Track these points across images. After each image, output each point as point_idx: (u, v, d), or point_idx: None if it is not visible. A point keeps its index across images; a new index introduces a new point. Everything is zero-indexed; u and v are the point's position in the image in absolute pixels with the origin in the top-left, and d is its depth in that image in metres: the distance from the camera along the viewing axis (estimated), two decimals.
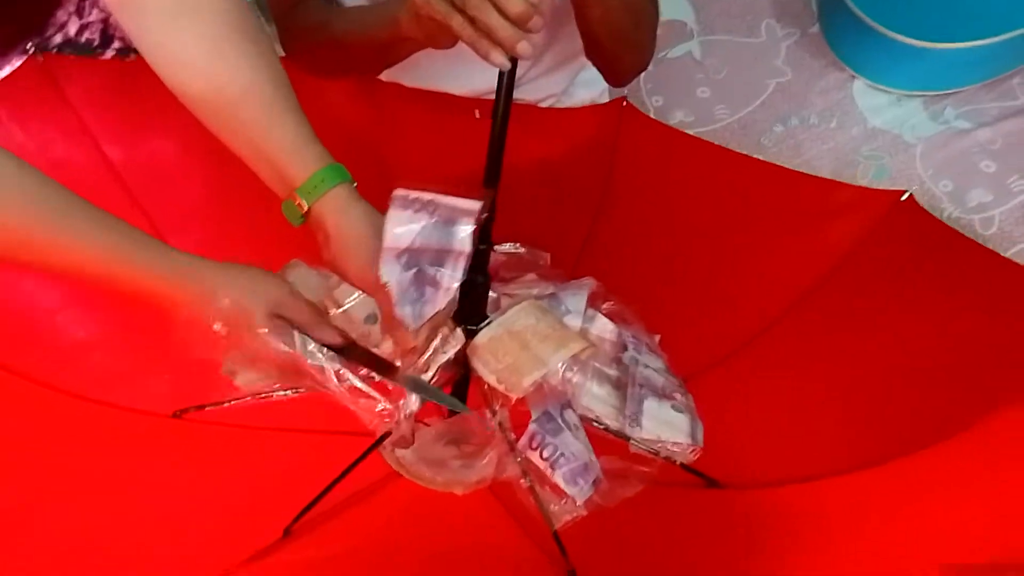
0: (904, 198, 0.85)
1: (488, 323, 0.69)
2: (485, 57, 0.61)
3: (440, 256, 0.60)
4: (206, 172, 0.87)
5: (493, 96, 0.67)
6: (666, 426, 0.69)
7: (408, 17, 0.71)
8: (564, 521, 0.58)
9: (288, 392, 0.65)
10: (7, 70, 0.88)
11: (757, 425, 0.72)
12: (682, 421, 0.70)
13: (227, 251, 0.85)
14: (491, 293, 0.76)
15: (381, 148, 1.05)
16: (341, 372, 0.63)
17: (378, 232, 0.61)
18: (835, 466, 0.62)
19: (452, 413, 0.69)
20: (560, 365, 0.67)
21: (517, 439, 0.62)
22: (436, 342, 0.68)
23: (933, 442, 0.59)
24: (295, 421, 0.67)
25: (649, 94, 1.28)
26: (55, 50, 0.94)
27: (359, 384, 0.64)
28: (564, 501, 0.58)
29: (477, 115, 1.04)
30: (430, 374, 0.67)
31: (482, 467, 0.62)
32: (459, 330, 0.67)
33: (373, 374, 0.66)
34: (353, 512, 0.63)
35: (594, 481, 0.60)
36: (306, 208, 0.63)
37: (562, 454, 0.60)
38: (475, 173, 0.67)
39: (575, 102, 1.10)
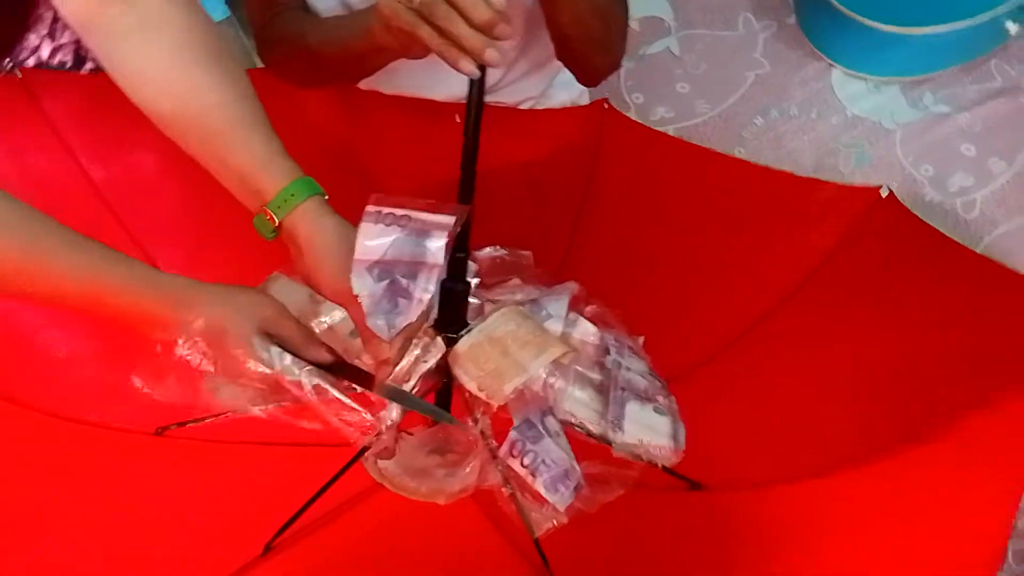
0: (884, 195, 0.86)
1: (469, 330, 0.70)
2: (454, 65, 0.61)
3: (412, 268, 0.60)
4: (186, 186, 0.87)
5: None
6: (648, 429, 0.69)
7: (379, 28, 0.71)
8: (545, 528, 0.58)
9: (270, 406, 0.65)
10: None
11: (740, 426, 0.73)
12: (664, 424, 0.70)
13: (209, 263, 0.86)
14: (475, 300, 0.77)
15: (362, 156, 1.05)
16: (322, 386, 0.64)
17: (350, 244, 0.61)
18: (817, 467, 0.63)
19: (436, 422, 0.70)
20: (541, 371, 0.68)
21: (500, 446, 0.63)
22: (417, 351, 0.69)
23: (915, 442, 0.60)
24: (277, 435, 0.67)
25: (629, 91, 1.28)
26: None
27: (340, 396, 0.64)
28: (545, 508, 0.59)
29: (457, 119, 1.04)
30: (412, 383, 0.68)
31: (464, 476, 0.62)
32: (439, 338, 0.68)
33: (356, 387, 0.67)
34: (334, 525, 0.64)
35: (575, 487, 0.60)
36: (277, 222, 0.63)
37: (543, 461, 0.60)
38: (457, 178, 0.67)
39: (554, 104, 1.10)
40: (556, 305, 0.76)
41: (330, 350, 0.66)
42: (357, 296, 0.60)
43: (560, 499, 0.59)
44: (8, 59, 0.91)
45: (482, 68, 0.62)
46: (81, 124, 0.86)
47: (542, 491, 0.59)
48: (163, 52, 0.63)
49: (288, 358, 0.62)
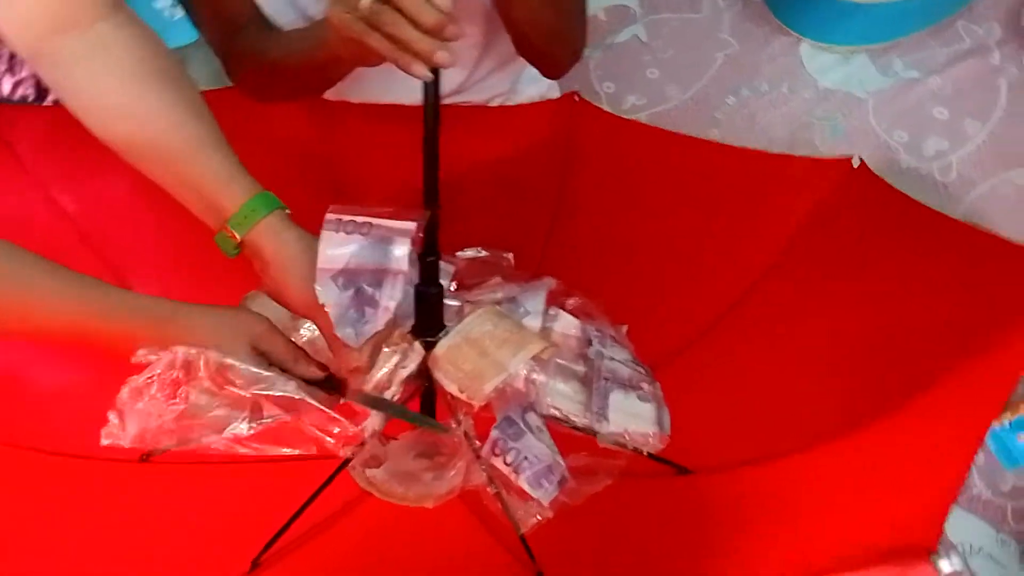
0: (856, 164, 0.86)
1: (446, 333, 0.70)
2: (407, 70, 0.61)
3: (377, 276, 0.60)
4: (160, 209, 0.87)
5: (442, 100, 0.67)
6: (633, 417, 0.69)
7: (332, 39, 0.71)
8: (530, 524, 0.58)
9: (254, 424, 0.65)
10: None
11: (725, 407, 0.73)
12: (648, 411, 0.70)
13: (185, 286, 0.85)
14: (454, 302, 0.77)
15: (336, 166, 1.05)
16: (305, 400, 0.64)
17: (314, 256, 0.61)
18: (799, 442, 0.63)
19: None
20: (521, 368, 0.68)
21: (483, 446, 0.63)
22: (396, 358, 0.69)
23: (893, 411, 0.60)
24: (263, 451, 0.67)
25: (599, 81, 1.27)
26: None
27: (322, 408, 0.64)
28: (530, 504, 0.59)
29: None
30: (393, 390, 0.68)
31: (451, 478, 0.62)
32: (417, 343, 0.68)
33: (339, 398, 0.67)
34: (323, 537, 0.64)
35: (559, 481, 0.60)
36: (239, 239, 0.63)
37: (525, 458, 0.60)
38: None
39: (523, 99, 1.10)
40: (533, 301, 0.77)
41: (320, 366, 0.67)
42: (324, 306, 0.61)
43: (544, 494, 0.59)
44: None
45: (435, 70, 0.61)
46: (47, 156, 0.86)
47: (526, 487, 0.59)
48: (115, 78, 0.63)
49: (280, 375, 0.62)
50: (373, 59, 0.72)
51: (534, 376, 0.69)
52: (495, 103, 1.09)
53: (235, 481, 0.67)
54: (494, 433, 0.62)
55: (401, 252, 0.60)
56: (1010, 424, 0.91)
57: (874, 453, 0.59)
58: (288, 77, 0.89)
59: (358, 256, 0.60)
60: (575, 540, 0.62)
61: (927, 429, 0.58)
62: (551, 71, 0.98)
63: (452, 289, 0.80)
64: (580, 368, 0.75)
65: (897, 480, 0.56)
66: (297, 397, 0.63)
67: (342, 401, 0.66)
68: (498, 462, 0.61)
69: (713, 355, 0.79)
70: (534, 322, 0.75)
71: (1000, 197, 1.10)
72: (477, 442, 0.63)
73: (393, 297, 0.60)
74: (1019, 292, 0.66)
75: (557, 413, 0.69)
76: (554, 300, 0.81)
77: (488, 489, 0.61)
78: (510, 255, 0.90)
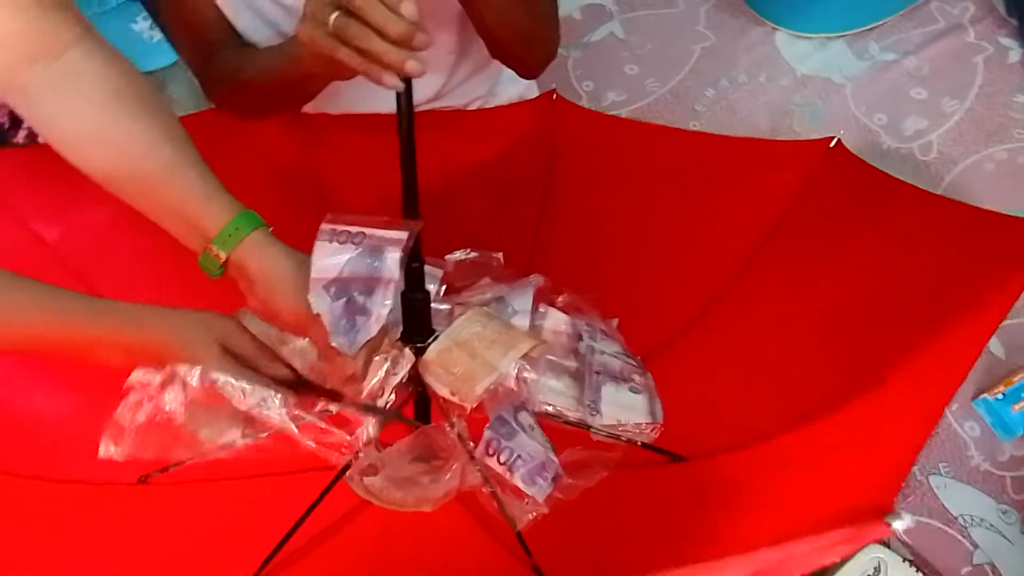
0: (833, 144, 0.86)
1: (436, 337, 0.70)
2: (378, 82, 0.62)
3: (369, 285, 0.61)
4: (142, 236, 0.87)
5: (421, 107, 0.67)
6: (625, 409, 0.70)
7: (303, 54, 0.72)
8: (526, 521, 0.58)
9: (249, 439, 0.66)
10: None
11: (716, 392, 0.73)
12: (640, 402, 0.71)
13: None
14: (444, 305, 0.77)
15: (321, 179, 1.05)
16: (297, 413, 0.64)
17: (302, 268, 0.61)
18: (790, 420, 0.63)
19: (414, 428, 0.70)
20: (512, 367, 0.68)
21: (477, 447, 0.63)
22: (387, 364, 0.69)
23: (882, 384, 0.60)
24: (260, 466, 0.68)
25: (579, 80, 1.28)
26: None
27: (315, 420, 0.65)
28: (526, 501, 0.59)
29: None
30: (386, 397, 0.68)
31: (447, 481, 0.62)
32: (407, 349, 0.68)
33: (330, 408, 0.67)
34: (324, 547, 0.64)
35: (553, 478, 0.61)
36: (224, 258, 0.63)
37: (519, 456, 0.60)
38: None
39: (502, 100, 1.11)
40: (521, 300, 0.77)
41: (289, 366, 0.67)
42: (317, 317, 0.61)
43: (539, 491, 0.59)
44: None
45: (407, 80, 0.62)
46: (26, 190, 0.85)
47: (521, 485, 0.59)
48: (88, 105, 0.63)
49: (248, 373, 0.63)
50: (346, 73, 0.72)
51: (525, 374, 0.69)
52: (474, 106, 1.09)
53: (232, 498, 0.67)
54: (487, 433, 0.62)
55: (393, 261, 0.61)
56: (1004, 395, 0.92)
57: (853, 427, 0.59)
58: (265, 94, 0.89)
59: (350, 265, 0.61)
60: (571, 534, 0.62)
61: (901, 399, 0.58)
62: (526, 71, 0.98)
63: (441, 293, 0.80)
64: (571, 363, 0.75)
65: (866, 449, 0.56)
66: (286, 423, 0.63)
67: (334, 411, 0.66)
68: (492, 462, 0.61)
69: (702, 343, 0.79)
70: (523, 321, 0.75)
71: (982, 173, 1.11)
72: (471, 443, 0.63)
73: (385, 305, 0.60)
74: (991, 259, 0.66)
75: (550, 409, 0.69)
76: (544, 297, 0.81)
77: (484, 489, 0.61)
78: (499, 255, 0.91)
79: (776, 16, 1.25)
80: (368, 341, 0.61)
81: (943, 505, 0.89)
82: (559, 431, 0.68)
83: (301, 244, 0.66)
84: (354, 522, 0.66)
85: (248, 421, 0.67)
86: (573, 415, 0.69)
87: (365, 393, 0.67)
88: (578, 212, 1.02)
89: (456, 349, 0.68)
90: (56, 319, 0.60)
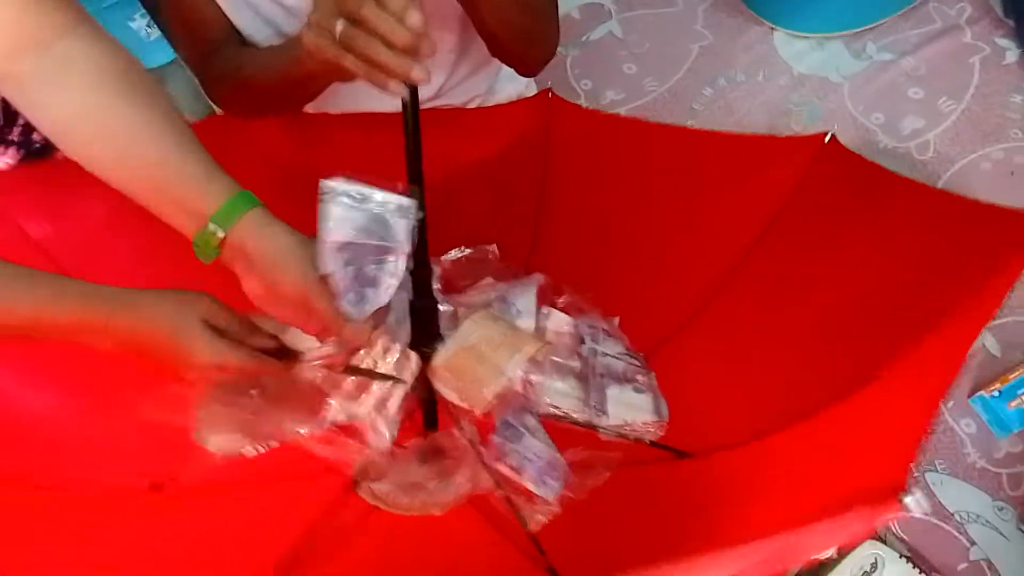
0: (827, 140, 0.87)
1: (442, 342, 0.70)
2: (383, 89, 0.62)
3: (379, 252, 0.60)
4: (133, 236, 0.86)
5: (421, 105, 0.67)
6: (630, 409, 0.70)
7: (307, 58, 0.71)
8: (539, 521, 0.59)
9: (260, 447, 0.66)
10: None
11: (719, 388, 0.73)
12: (645, 401, 0.71)
13: None
14: (447, 307, 0.78)
15: (318, 177, 1.05)
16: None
17: (303, 245, 0.61)
18: (798, 413, 0.63)
19: (427, 431, 0.70)
20: (518, 370, 0.69)
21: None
22: (392, 367, 0.69)
23: (881, 376, 0.61)
24: (270, 472, 0.68)
25: (577, 79, 1.28)
26: None
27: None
28: (537, 502, 0.60)
29: None
30: (395, 402, 0.68)
31: (457, 485, 0.63)
32: (414, 355, 0.68)
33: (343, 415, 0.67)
34: (337, 553, 0.64)
35: (562, 476, 0.61)
36: (222, 236, 0.62)
37: (526, 458, 0.61)
38: None
39: (500, 98, 1.11)
40: (524, 300, 0.77)
41: (272, 337, 0.67)
42: (322, 289, 0.60)
43: (549, 490, 0.60)
44: None
45: (412, 86, 0.62)
46: (16, 192, 0.85)
47: (530, 486, 0.60)
48: (82, 91, 0.62)
49: (234, 347, 0.63)
50: (347, 76, 0.72)
51: (531, 377, 0.70)
52: (473, 104, 1.09)
53: (245, 505, 0.67)
54: (495, 438, 0.63)
55: (402, 227, 0.60)
56: (1000, 392, 0.93)
57: (856, 417, 0.60)
58: (266, 93, 0.89)
59: (360, 231, 0.60)
60: (583, 532, 0.62)
61: (904, 386, 0.59)
62: (525, 70, 0.98)
63: (440, 292, 0.80)
64: (575, 364, 0.76)
65: (875, 435, 0.57)
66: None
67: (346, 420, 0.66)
68: (501, 465, 0.61)
69: (701, 338, 0.80)
70: (527, 322, 0.75)
71: (978, 172, 1.11)
72: (483, 448, 0.64)
73: (396, 274, 0.60)
74: (986, 248, 0.67)
75: (557, 411, 0.70)
76: (545, 297, 0.82)
77: (496, 493, 0.61)
78: (494, 246, 0.91)
79: (774, 16, 1.26)
80: (378, 309, 0.60)
81: (939, 502, 0.89)
82: (564, 430, 0.68)
83: None
84: (366, 524, 0.66)
85: (259, 428, 0.67)
86: (580, 416, 0.70)
87: (366, 409, 0.67)
88: (576, 209, 1.02)
89: (463, 354, 0.69)
90: (48, 303, 0.59)
